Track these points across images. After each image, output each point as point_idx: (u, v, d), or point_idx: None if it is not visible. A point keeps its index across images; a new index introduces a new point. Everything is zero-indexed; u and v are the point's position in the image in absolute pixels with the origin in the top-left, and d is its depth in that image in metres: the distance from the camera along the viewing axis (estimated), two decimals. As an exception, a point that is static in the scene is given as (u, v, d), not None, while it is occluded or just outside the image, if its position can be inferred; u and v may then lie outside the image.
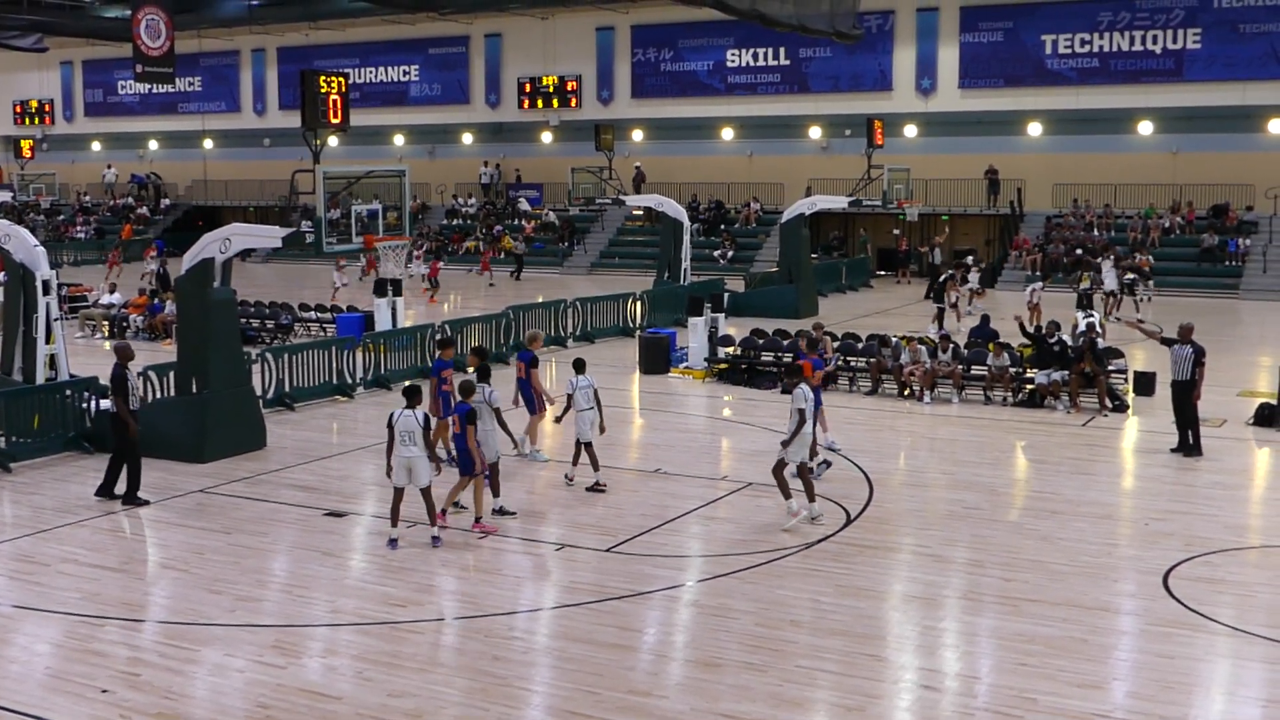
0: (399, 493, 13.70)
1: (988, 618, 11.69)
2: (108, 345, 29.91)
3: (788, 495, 14.34)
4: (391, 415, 13.69)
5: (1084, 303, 28.00)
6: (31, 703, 9.78)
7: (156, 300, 31.52)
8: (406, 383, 14.60)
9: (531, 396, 17.75)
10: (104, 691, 9.95)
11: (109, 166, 64.39)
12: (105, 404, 18.66)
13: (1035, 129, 46.11)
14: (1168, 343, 18.70)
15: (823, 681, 10.21)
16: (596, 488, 15.74)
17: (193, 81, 62.37)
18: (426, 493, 13.73)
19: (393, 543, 13.67)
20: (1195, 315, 31.23)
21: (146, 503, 15.40)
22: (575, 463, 16.14)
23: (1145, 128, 44.53)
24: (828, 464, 16.73)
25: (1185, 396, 18.03)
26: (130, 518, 15.04)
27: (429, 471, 13.69)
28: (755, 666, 10.43)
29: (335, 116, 26.50)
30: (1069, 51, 45.39)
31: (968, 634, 11.43)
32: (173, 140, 64.42)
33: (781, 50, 49.82)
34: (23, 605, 12.06)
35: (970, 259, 37.39)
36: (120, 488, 15.57)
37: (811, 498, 14.50)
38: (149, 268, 36.95)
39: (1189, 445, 18.00)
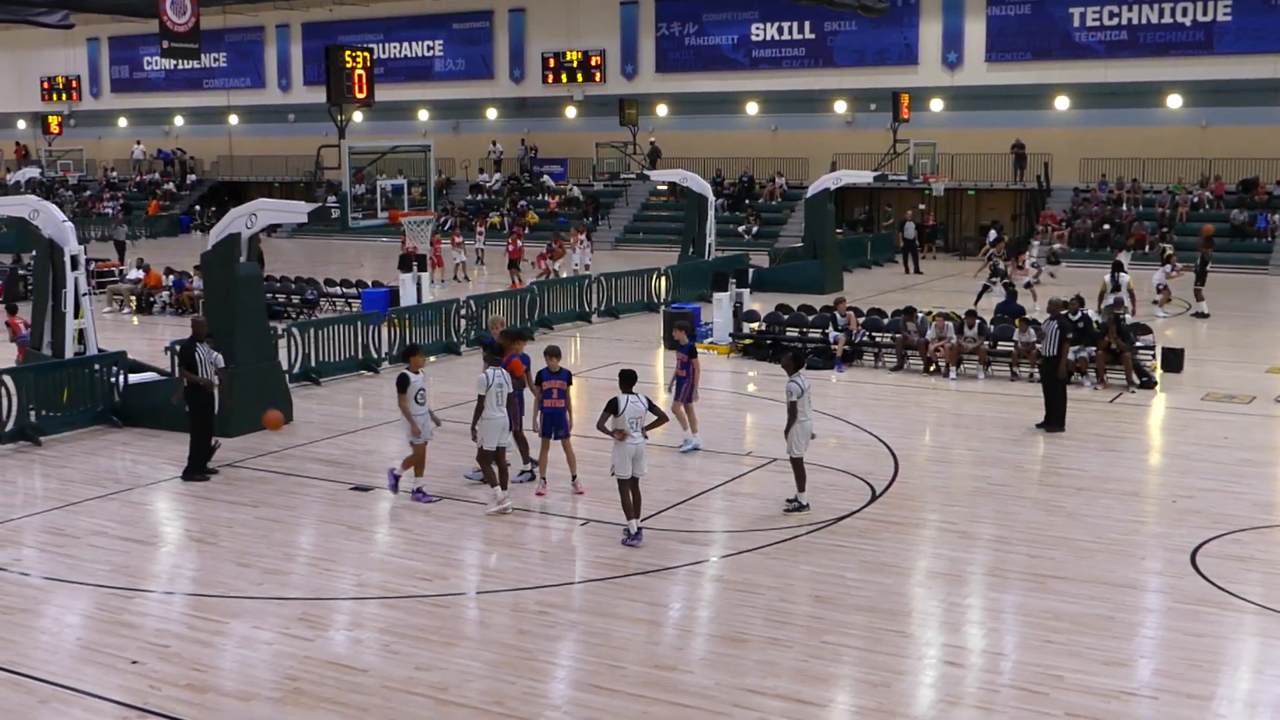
0: (626, 484, 13.00)
1: (1013, 594, 11.67)
2: (135, 321, 30.09)
3: (495, 483, 14.12)
4: (616, 401, 13.03)
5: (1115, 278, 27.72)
6: (62, 673, 9.88)
7: (183, 276, 31.64)
8: (624, 367, 13.89)
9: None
10: (134, 662, 10.05)
11: (138, 143, 64.65)
12: (135, 379, 18.86)
13: (1063, 103, 45.76)
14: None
15: (847, 657, 10.22)
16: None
17: (218, 57, 62.47)
18: (635, 484, 12.99)
19: (637, 535, 12.97)
20: (1224, 291, 31.16)
21: (206, 478, 15.47)
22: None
23: (1174, 101, 44.13)
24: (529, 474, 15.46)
25: (1050, 371, 18.08)
26: (158, 492, 15.14)
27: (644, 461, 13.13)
28: (780, 642, 10.44)
29: (360, 92, 26.49)
30: (1097, 24, 44.98)
31: (993, 611, 11.40)
32: (198, 116, 64.56)
33: (806, 24, 49.55)
34: (53, 577, 12.18)
35: (993, 233, 37.14)
36: (205, 465, 15.68)
37: (504, 485, 14.14)
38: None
39: (1052, 420, 17.97)
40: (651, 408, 13.26)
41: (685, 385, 17.04)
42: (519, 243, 36.82)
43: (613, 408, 12.99)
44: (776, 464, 15.98)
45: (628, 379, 13.35)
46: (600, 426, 13.20)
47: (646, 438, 13.20)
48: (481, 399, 13.96)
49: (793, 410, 13.84)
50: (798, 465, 14.08)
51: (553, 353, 14.88)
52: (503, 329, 17.42)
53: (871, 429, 18.02)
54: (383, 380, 22.18)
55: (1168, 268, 30.18)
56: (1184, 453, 17.11)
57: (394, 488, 14.70)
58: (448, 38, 57.56)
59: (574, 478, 14.83)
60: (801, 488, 14.08)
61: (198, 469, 15.51)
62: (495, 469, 14.15)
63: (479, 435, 14.08)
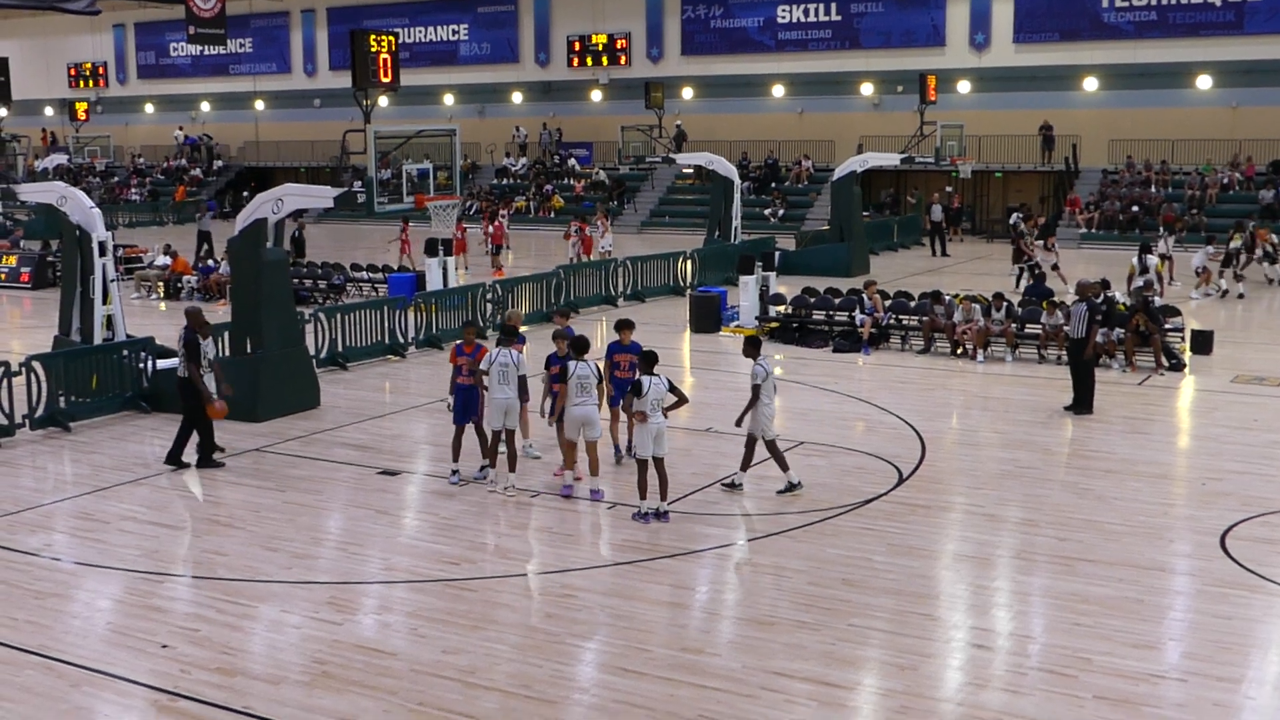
0: (646, 465, 13.09)
1: (1041, 577, 11.62)
2: (163, 307, 30.24)
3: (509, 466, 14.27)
4: (640, 382, 13.08)
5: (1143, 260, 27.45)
6: (93, 657, 9.96)
7: (211, 261, 31.78)
8: (648, 348, 13.85)
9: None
10: (164, 646, 10.12)
11: (180, 128, 64.80)
12: (163, 364, 18.95)
13: (1091, 84, 45.41)
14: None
15: (875, 640, 10.20)
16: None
17: (244, 43, 62.67)
18: (660, 464, 13.16)
19: (645, 516, 13.13)
20: (1254, 273, 30.84)
21: (222, 465, 15.53)
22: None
23: (1204, 82, 43.73)
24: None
25: (1078, 353, 17.95)
26: (188, 476, 15.22)
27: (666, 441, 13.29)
28: (808, 625, 10.43)
29: (385, 76, 26.60)
30: (1126, 4, 44.59)
31: (1021, 593, 11.36)
32: (224, 102, 64.80)
33: (833, 6, 49.34)
34: (84, 562, 12.27)
35: (1016, 215, 36.73)
36: (181, 454, 15.59)
37: (498, 466, 14.43)
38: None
39: (1080, 403, 17.87)
40: (672, 388, 13.31)
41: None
42: (500, 228, 36.57)
43: (636, 389, 13.06)
44: (803, 447, 15.97)
45: (649, 360, 13.40)
46: (624, 408, 13.29)
47: (666, 418, 13.25)
48: (484, 375, 14.07)
49: (756, 393, 13.83)
50: (751, 445, 14.04)
51: (625, 325, 15.32)
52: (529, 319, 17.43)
53: (898, 412, 17.97)
54: (409, 365, 22.26)
55: (1210, 248, 29.87)
56: (1213, 435, 16.99)
57: (596, 497, 14.07)
58: (473, 21, 57.54)
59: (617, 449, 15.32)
60: (744, 468, 14.13)
61: (177, 456, 15.49)
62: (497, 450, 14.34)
63: (484, 414, 14.22)
